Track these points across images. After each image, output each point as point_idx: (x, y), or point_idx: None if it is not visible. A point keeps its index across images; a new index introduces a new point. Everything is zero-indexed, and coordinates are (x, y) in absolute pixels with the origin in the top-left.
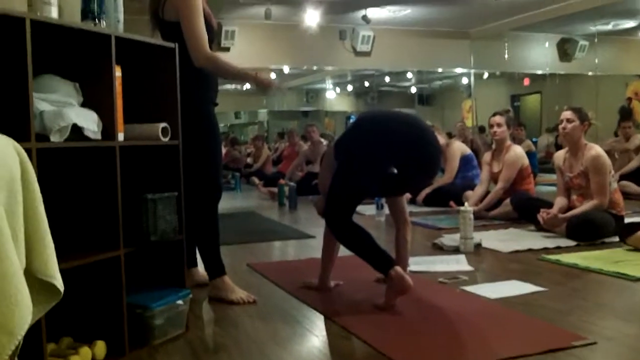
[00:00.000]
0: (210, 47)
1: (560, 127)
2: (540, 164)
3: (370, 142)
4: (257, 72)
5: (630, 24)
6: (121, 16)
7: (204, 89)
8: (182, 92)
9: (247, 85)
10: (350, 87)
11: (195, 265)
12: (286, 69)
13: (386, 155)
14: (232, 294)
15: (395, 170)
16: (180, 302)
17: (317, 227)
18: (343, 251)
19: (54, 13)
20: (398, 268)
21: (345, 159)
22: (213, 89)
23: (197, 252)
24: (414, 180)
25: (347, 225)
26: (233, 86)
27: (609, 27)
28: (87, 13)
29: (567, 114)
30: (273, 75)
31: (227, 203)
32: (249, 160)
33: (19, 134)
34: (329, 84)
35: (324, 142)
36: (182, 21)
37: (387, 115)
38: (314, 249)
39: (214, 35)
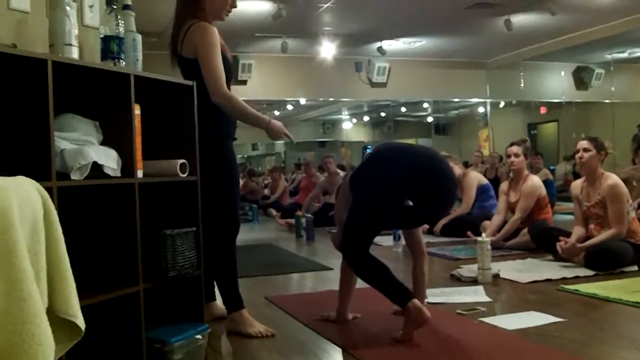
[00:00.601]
0: (228, 84)
1: (577, 156)
2: (558, 192)
3: (386, 175)
4: (271, 119)
5: None
6: (140, 55)
7: (222, 124)
8: (200, 127)
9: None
10: (366, 118)
11: (214, 299)
12: (302, 101)
13: (402, 188)
14: (250, 328)
15: (411, 203)
16: (198, 336)
17: (335, 259)
18: (360, 283)
19: (74, 54)
20: (416, 301)
21: (362, 191)
22: (231, 124)
23: (215, 285)
24: (429, 213)
25: (364, 257)
26: None
27: (625, 54)
28: (106, 53)
29: (583, 143)
30: (290, 107)
31: (245, 235)
32: (266, 191)
33: (40, 172)
34: (345, 115)
35: (341, 173)
36: (199, 58)
37: (403, 148)
38: (332, 281)
39: (232, 71)
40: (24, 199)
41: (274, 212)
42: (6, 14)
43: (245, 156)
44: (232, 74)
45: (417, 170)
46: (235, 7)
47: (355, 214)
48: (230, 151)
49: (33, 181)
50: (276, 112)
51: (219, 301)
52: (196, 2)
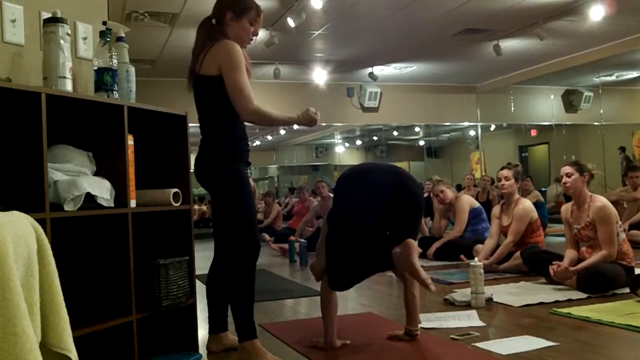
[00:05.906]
0: None
1: (562, 182)
2: (550, 214)
3: (353, 197)
4: (299, 114)
5: (633, 74)
6: (133, 86)
7: (237, 150)
8: (215, 152)
9: (257, 142)
10: (359, 142)
11: (226, 329)
12: (295, 126)
13: (370, 202)
14: (262, 359)
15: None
16: None
17: None
18: (352, 309)
19: (68, 86)
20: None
21: (334, 223)
22: (245, 150)
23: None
24: (406, 214)
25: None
26: None
27: (613, 77)
28: (100, 85)
29: (565, 168)
30: (282, 132)
31: None
32: (259, 216)
33: (34, 204)
34: (338, 139)
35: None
36: (224, 76)
37: (362, 168)
38: None
39: None
40: (19, 234)
41: (267, 237)
42: (0, 48)
43: None
44: None
45: (382, 183)
46: (257, 35)
47: (333, 248)
48: (246, 177)
49: (27, 216)
50: (269, 137)
51: (230, 332)
52: (219, 30)
